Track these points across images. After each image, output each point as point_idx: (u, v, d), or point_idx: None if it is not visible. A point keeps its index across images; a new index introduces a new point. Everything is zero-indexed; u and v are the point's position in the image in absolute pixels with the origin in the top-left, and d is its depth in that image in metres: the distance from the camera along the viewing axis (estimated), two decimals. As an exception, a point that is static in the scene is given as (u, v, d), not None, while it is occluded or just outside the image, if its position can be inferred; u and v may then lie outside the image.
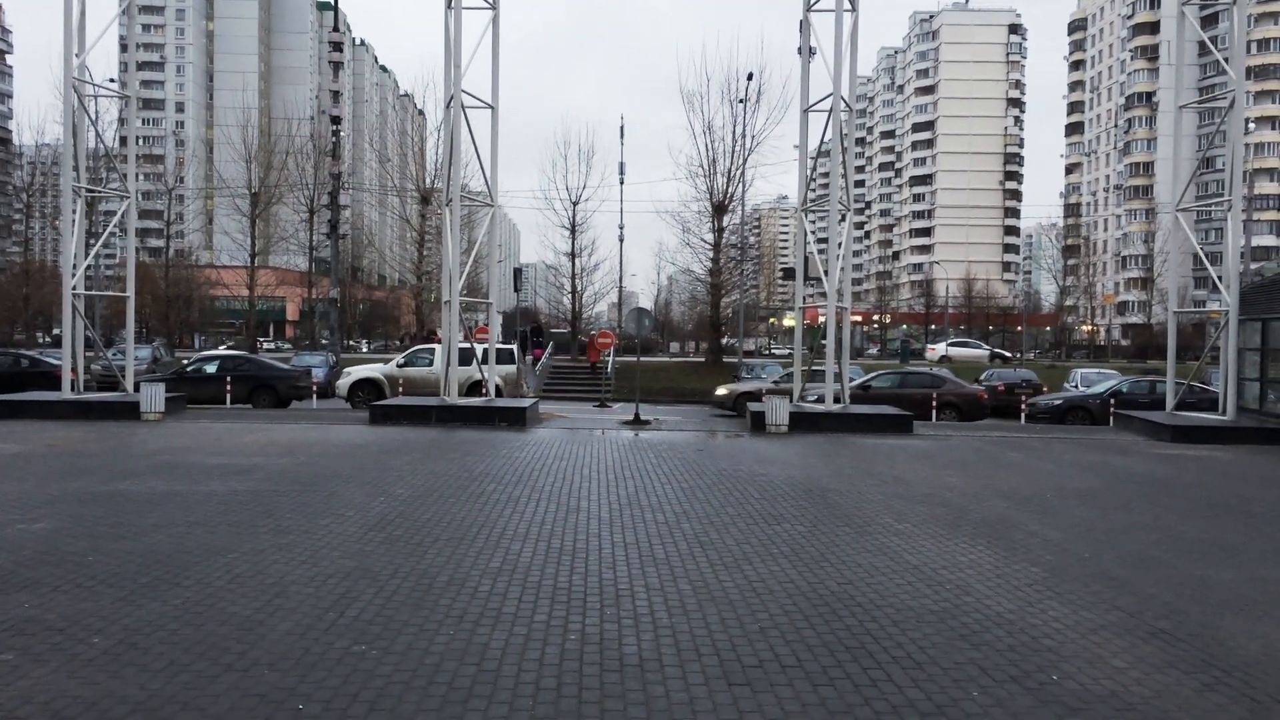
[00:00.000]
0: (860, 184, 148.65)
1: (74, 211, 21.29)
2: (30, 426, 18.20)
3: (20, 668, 5.31)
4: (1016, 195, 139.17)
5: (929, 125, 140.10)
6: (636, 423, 22.70)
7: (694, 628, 6.25)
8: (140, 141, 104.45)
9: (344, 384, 28.14)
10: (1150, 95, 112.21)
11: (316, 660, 5.49)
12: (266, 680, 5.17)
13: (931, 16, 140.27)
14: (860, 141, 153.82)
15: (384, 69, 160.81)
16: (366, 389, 27.24)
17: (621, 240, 47.40)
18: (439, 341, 25.96)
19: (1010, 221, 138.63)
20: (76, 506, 9.99)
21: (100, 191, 29.51)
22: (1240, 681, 5.47)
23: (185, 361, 31.98)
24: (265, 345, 67.51)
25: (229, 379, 26.57)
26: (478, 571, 7.60)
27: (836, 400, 21.46)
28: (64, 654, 5.53)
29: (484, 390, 23.27)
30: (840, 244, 21.33)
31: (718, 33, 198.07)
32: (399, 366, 28.17)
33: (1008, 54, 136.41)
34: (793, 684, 5.29)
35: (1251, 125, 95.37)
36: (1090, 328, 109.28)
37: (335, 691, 5.02)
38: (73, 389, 21.44)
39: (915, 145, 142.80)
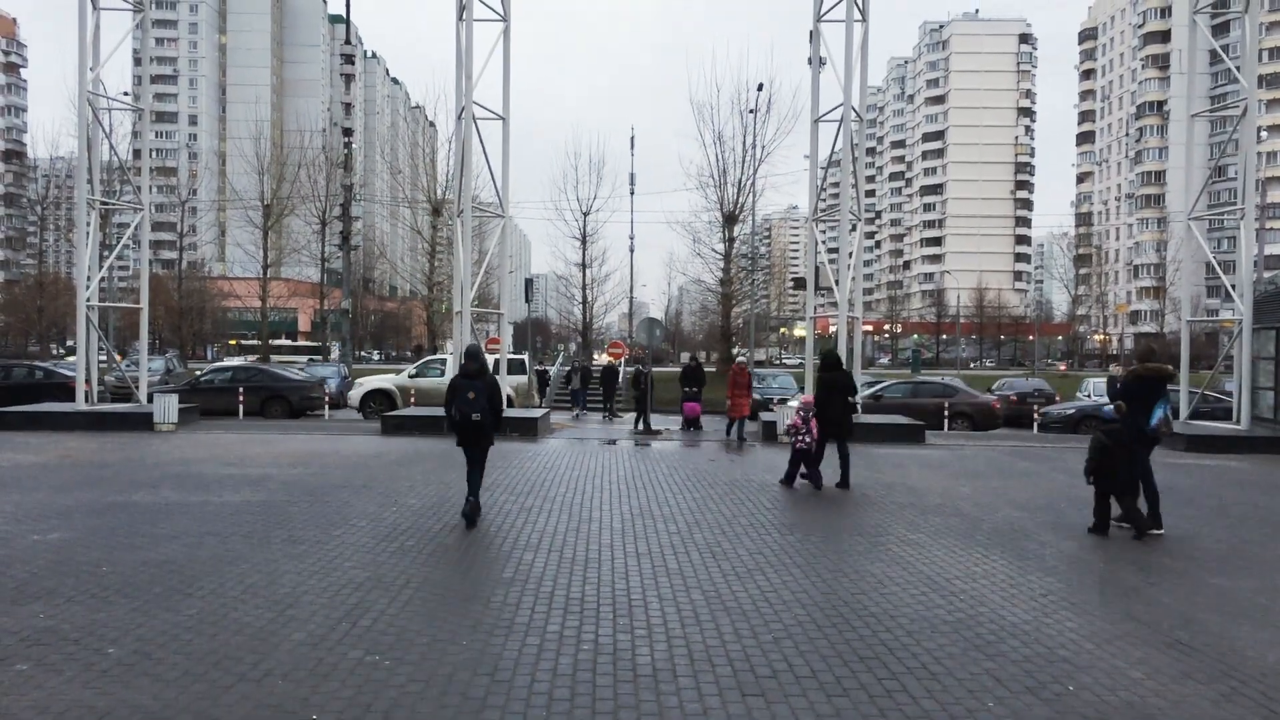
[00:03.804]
0: (871, 194, 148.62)
1: (88, 224, 21.42)
2: (45, 437, 18.29)
3: (35, 678, 5.32)
4: (1028, 205, 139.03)
5: (939, 135, 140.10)
6: (648, 433, 22.68)
7: (707, 638, 6.23)
8: (153, 154, 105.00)
9: (356, 395, 28.20)
10: (1161, 104, 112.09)
11: (330, 671, 5.49)
12: (280, 690, 5.17)
13: (941, 26, 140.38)
14: (870, 151, 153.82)
15: (395, 81, 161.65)
16: (378, 400, 27.29)
17: (632, 250, 47.48)
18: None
19: (1021, 231, 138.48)
20: (90, 517, 10.02)
21: (114, 204, 29.69)
22: (1258, 692, 5.42)
23: (198, 373, 32.09)
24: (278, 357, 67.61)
25: (242, 390, 26.66)
26: (490, 581, 7.60)
27: (848, 410, 21.38)
28: (78, 664, 5.55)
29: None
30: (851, 254, 21.31)
31: (728, 43, 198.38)
32: (411, 377, 28.21)
33: (1018, 63, 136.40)
34: (807, 694, 5.26)
35: (1264, 133, 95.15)
36: (1103, 337, 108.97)
37: (349, 702, 5.02)
38: (87, 400, 21.54)
39: (925, 155, 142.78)
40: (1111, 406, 10.97)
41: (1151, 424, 10.13)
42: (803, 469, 13.17)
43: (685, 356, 24.70)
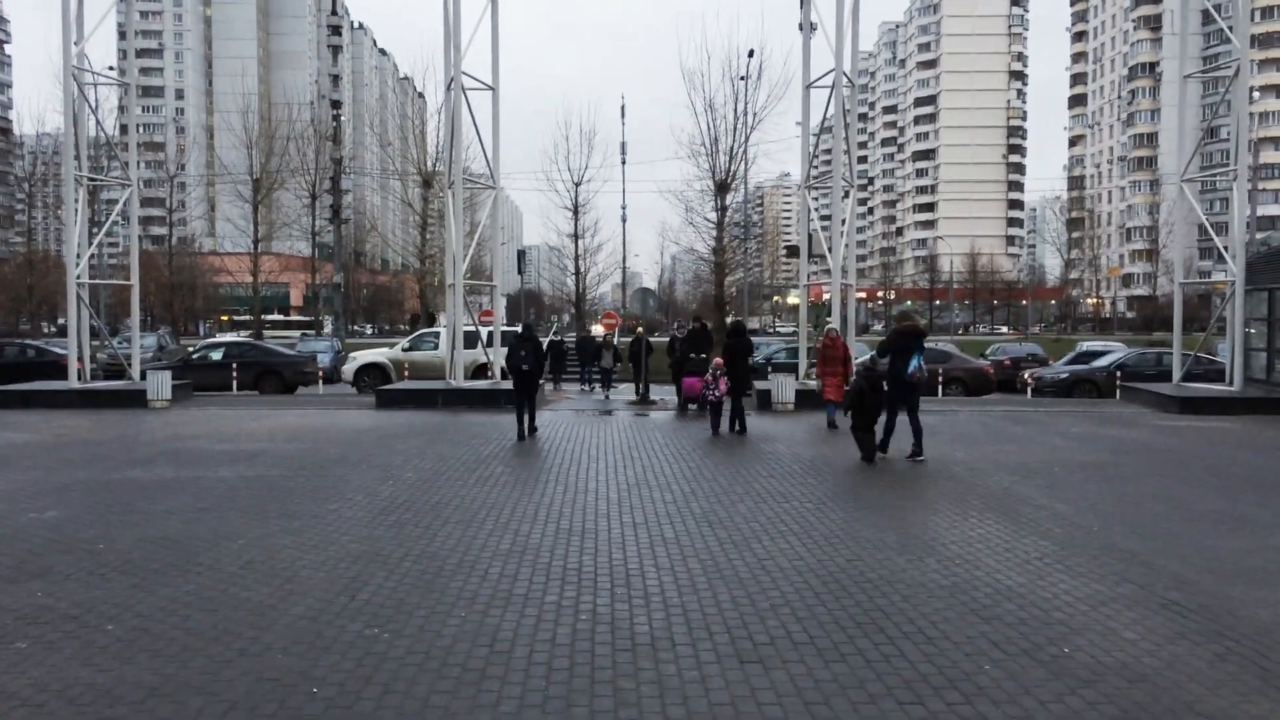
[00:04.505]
0: (863, 160, 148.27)
1: (76, 201, 21.28)
2: (38, 416, 18.25)
3: (34, 655, 5.33)
4: (1020, 169, 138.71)
5: (931, 99, 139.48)
6: (643, 403, 22.69)
7: (704, 606, 6.26)
8: (141, 129, 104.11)
9: (350, 369, 28.13)
10: (1153, 65, 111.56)
11: (329, 644, 5.50)
12: (280, 664, 5.19)
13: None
14: (862, 117, 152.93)
15: (383, 52, 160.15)
16: (372, 373, 27.24)
17: (624, 220, 47.30)
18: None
19: (1014, 195, 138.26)
20: (86, 494, 10.02)
21: (102, 180, 29.45)
22: (1252, 651, 5.47)
23: (191, 349, 32.00)
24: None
25: (234, 365, 26.60)
26: (488, 554, 7.62)
27: (842, 377, 21.40)
28: (78, 641, 5.56)
29: (489, 373, 23.27)
30: (843, 221, 21.23)
31: (718, 8, 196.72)
32: (404, 351, 28.15)
33: (1010, 26, 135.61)
34: (804, 660, 5.30)
35: (1256, 94, 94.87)
36: (1095, 301, 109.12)
37: (349, 675, 5.04)
38: (79, 378, 21.48)
39: (918, 120, 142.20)
40: (868, 359, 13.95)
41: (908, 371, 12.50)
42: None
43: (692, 322, 20.80)
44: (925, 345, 13.12)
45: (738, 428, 15.81)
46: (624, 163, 45.02)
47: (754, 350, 17.23)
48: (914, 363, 12.50)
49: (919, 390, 12.81)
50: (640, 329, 29.31)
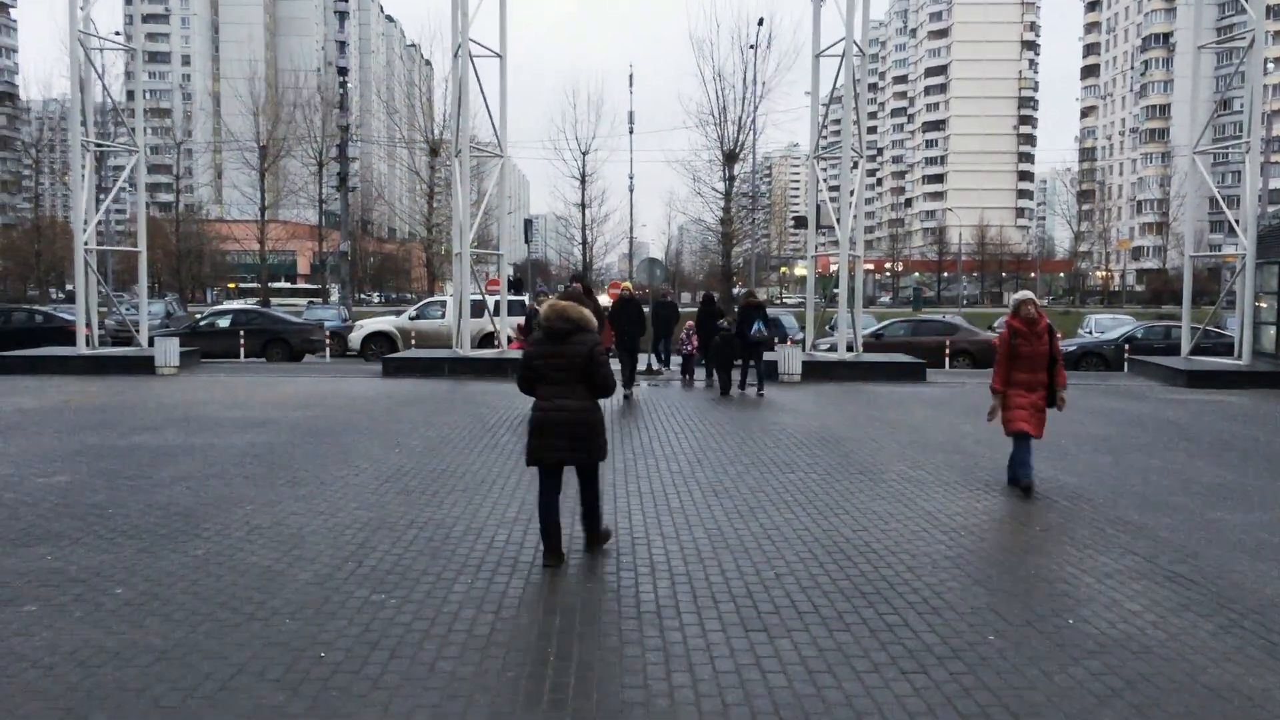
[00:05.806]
0: (872, 130, 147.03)
1: (83, 167, 21.23)
2: (46, 382, 18.32)
3: (44, 619, 5.37)
4: (1031, 140, 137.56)
5: (942, 69, 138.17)
6: (649, 373, 22.66)
7: (710, 575, 6.28)
8: (147, 95, 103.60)
9: (356, 337, 28.16)
10: (1167, 36, 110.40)
11: (336, 609, 5.54)
12: (288, 629, 5.22)
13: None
14: (872, 87, 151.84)
15: (390, 18, 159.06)
16: (379, 342, 27.26)
17: (631, 190, 47.07)
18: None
19: (1024, 166, 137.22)
20: (95, 460, 10.07)
21: (109, 146, 29.39)
22: (1257, 624, 5.47)
23: (198, 316, 32.03)
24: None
25: (242, 333, 26.64)
26: (494, 520, 7.64)
27: (849, 348, 21.40)
28: (87, 604, 5.60)
29: (496, 342, 23.28)
30: (852, 191, 21.12)
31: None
32: (411, 319, 28.16)
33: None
34: (809, 629, 5.31)
35: (1270, 65, 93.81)
36: (1104, 273, 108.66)
37: (356, 640, 5.07)
38: (87, 344, 21.53)
39: (928, 90, 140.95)
40: (725, 323, 18.01)
41: (750, 333, 17.07)
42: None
43: (570, 283, 16.64)
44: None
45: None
46: (632, 132, 44.82)
47: (723, 316, 19.66)
48: (754, 327, 17.05)
49: (761, 347, 17.39)
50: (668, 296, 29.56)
